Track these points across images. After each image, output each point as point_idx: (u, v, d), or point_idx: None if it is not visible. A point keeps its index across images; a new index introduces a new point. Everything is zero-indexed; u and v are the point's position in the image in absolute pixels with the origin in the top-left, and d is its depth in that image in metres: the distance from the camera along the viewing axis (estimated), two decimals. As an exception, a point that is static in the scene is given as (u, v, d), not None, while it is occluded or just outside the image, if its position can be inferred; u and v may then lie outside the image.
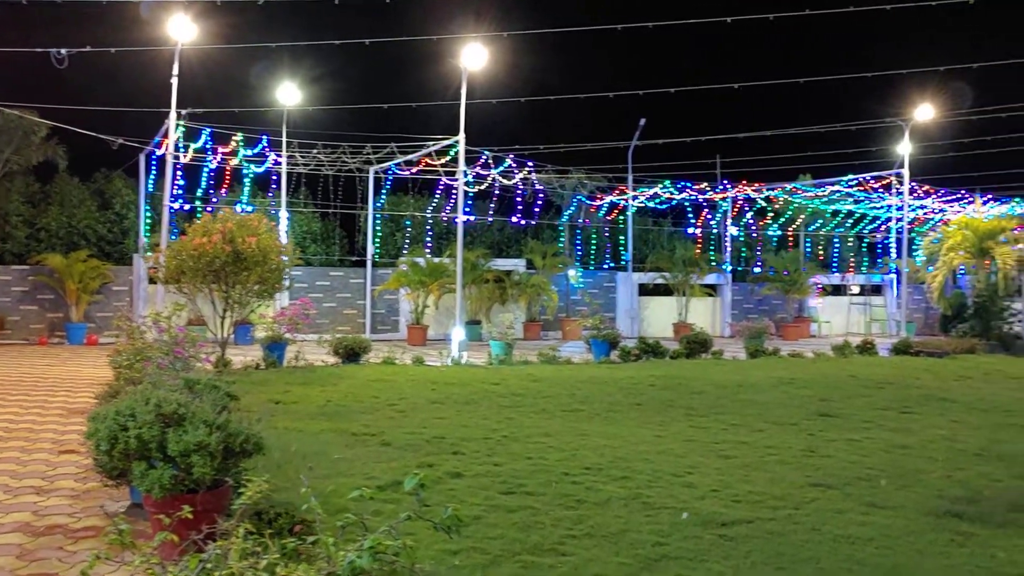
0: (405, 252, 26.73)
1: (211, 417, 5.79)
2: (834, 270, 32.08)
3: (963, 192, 29.26)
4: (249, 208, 23.40)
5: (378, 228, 27.57)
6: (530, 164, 25.99)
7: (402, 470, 7.86)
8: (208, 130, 22.43)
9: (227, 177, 25.73)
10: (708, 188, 28.60)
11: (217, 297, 15.97)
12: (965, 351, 20.43)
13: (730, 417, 11.71)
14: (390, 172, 26.49)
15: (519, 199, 27.80)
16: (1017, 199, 29.65)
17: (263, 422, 6.83)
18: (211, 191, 25.68)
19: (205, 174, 24.90)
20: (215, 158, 23.66)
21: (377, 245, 27.23)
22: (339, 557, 2.97)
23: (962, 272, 24.23)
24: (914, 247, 28.51)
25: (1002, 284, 22.12)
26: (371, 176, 26.81)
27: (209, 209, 21.80)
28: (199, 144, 22.50)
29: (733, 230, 30.91)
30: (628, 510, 7.08)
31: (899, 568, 5.87)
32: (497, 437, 9.99)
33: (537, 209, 28.51)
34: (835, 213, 31.84)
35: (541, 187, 27.76)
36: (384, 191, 27.60)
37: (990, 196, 28.96)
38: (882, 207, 30.12)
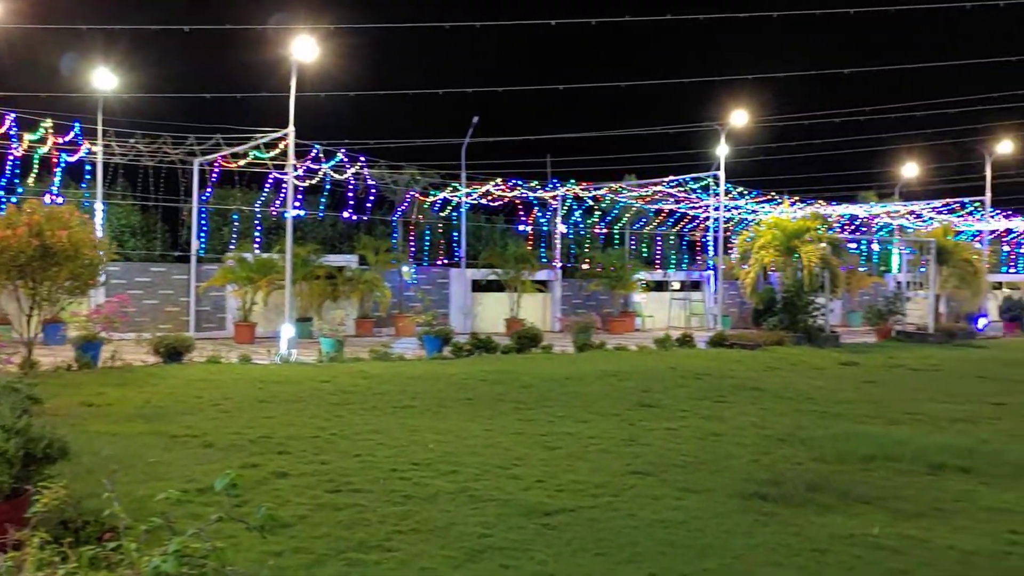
0: (232, 247, 25.84)
1: (9, 422, 5.43)
2: (657, 266, 33.45)
3: (773, 194, 31.22)
4: (60, 200, 21.98)
5: (204, 222, 26.53)
6: (362, 159, 25.72)
7: (224, 472, 7.63)
8: (12, 115, 20.90)
9: (36, 166, 24.06)
10: (539, 186, 29.19)
11: (23, 294, 14.93)
12: (775, 343, 21.80)
13: (557, 409, 12.02)
14: (216, 164, 25.54)
15: (351, 194, 27.45)
16: (821, 201, 31.91)
17: (73, 426, 6.48)
18: (16, 181, 23.95)
19: (9, 163, 23.19)
20: (21, 145, 22.08)
21: (203, 240, 26.21)
22: (143, 562, 2.87)
23: (773, 269, 25.79)
24: (729, 245, 30.10)
25: (807, 280, 23.72)
26: (195, 168, 25.76)
27: (14, 200, 20.33)
28: (2, 130, 20.93)
29: (563, 228, 31.67)
30: (455, 504, 7.16)
31: (709, 548, 6.22)
32: (326, 435, 9.86)
33: (370, 205, 28.24)
34: (658, 212, 33.20)
35: (374, 183, 27.51)
36: (210, 184, 26.59)
37: (797, 198, 31.03)
38: (700, 207, 31.65)
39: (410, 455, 8.89)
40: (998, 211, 35.55)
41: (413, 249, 30.03)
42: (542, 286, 29.82)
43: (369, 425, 10.59)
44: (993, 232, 37.05)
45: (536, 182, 29.20)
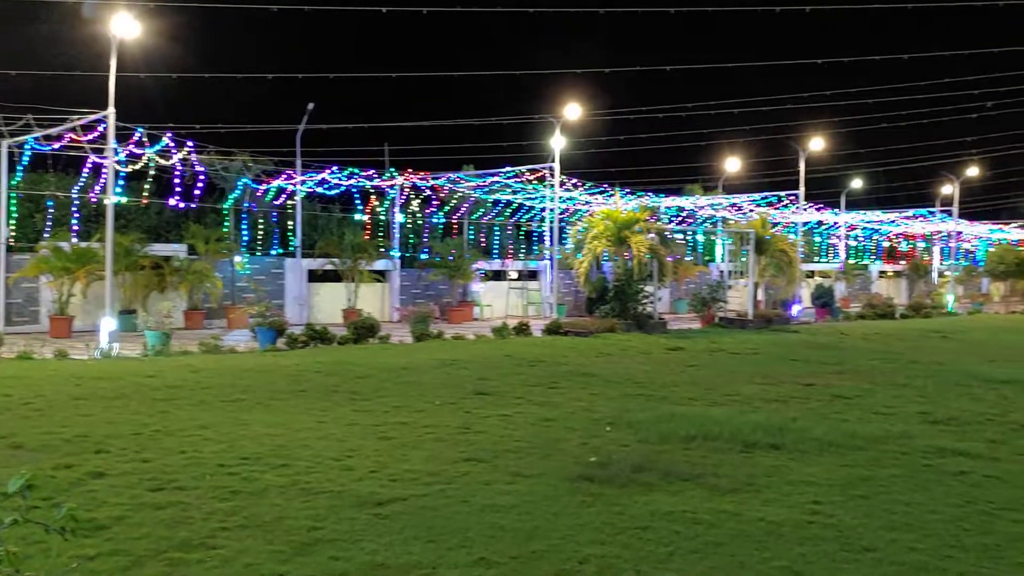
0: (47, 236, 24.26)
1: None
2: (495, 256, 33.84)
3: (606, 185, 32.21)
4: None
5: (13, 209, 24.75)
6: (190, 144, 24.68)
7: (20, 472, 7.18)
8: None
9: None
10: (376, 175, 28.92)
11: None
12: (606, 330, 22.52)
13: (393, 399, 11.99)
14: (27, 147, 23.85)
15: (179, 181, 26.28)
16: (650, 193, 33.15)
17: None
18: None
19: None
20: None
21: (13, 227, 24.44)
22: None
23: (606, 259, 26.57)
24: (564, 236, 30.82)
25: (637, 269, 24.60)
26: (3, 150, 23.98)
27: None
28: None
29: (401, 217, 31.52)
30: (285, 497, 7.04)
31: (537, 530, 6.38)
32: (148, 432, 9.45)
33: (199, 192, 27.12)
34: (495, 202, 33.57)
35: (203, 169, 26.45)
36: (20, 167, 24.80)
37: (628, 190, 32.12)
38: (537, 198, 32.23)
39: (239, 450, 8.65)
40: (810, 204, 38.01)
41: (246, 238, 29.12)
42: (380, 276, 29.59)
43: (196, 420, 10.23)
44: (806, 224, 39.61)
45: (374, 171, 28.92)
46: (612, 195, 31.46)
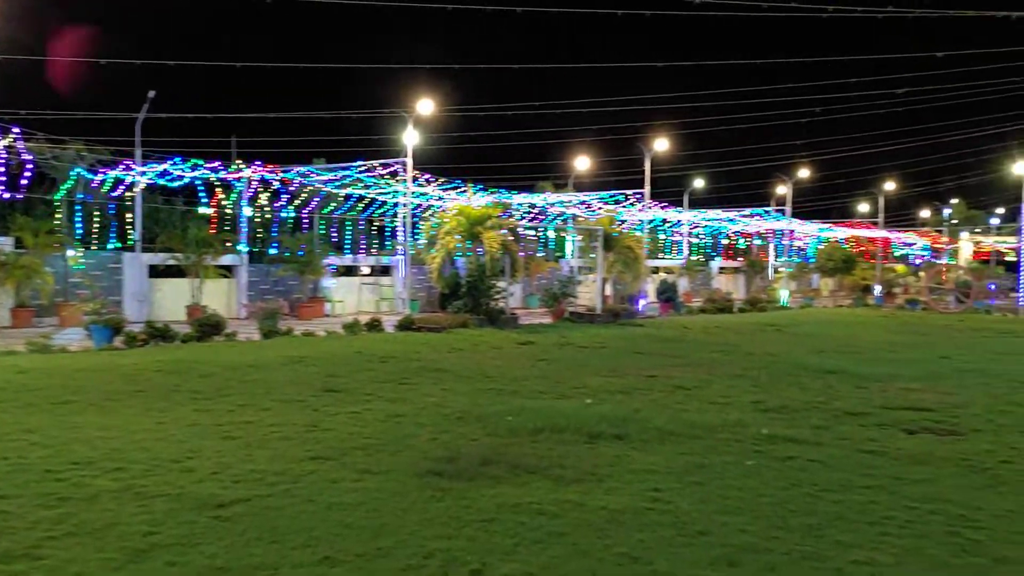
0: None
1: None
2: (347, 251, 33.36)
3: (459, 181, 32.29)
4: None
5: None
6: (16, 131, 23.15)
7: None
8: None
9: None
10: (223, 167, 27.95)
11: None
12: (459, 325, 22.61)
13: (237, 398, 11.65)
14: None
15: (3, 170, 24.59)
16: (503, 190, 33.47)
17: None
18: None
19: None
20: None
21: None
22: None
23: (459, 254, 26.64)
24: (418, 231, 30.71)
25: (489, 265, 24.83)
26: None
27: None
28: None
29: (248, 211, 30.61)
30: (119, 503, 6.74)
31: (384, 527, 6.36)
32: (-34, 438, 8.83)
33: (26, 182, 25.46)
34: (347, 197, 33.08)
35: (31, 157, 24.85)
36: None
37: (481, 186, 32.31)
38: (389, 193, 31.98)
39: (69, 454, 8.21)
40: (656, 203, 39.34)
41: (80, 232, 27.57)
42: (227, 272, 28.61)
43: (21, 424, 9.63)
44: (651, 221, 40.96)
45: (220, 163, 27.93)
46: (465, 191, 31.59)
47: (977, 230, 57.90)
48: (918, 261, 54.36)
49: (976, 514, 7.02)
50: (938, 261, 50.40)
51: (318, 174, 29.87)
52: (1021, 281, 38.84)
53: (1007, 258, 51.43)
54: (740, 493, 7.48)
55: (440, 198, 32.50)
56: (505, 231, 25.99)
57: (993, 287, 42.95)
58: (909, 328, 27.71)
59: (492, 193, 32.29)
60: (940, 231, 56.24)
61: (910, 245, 56.64)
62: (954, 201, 63.12)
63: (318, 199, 32.30)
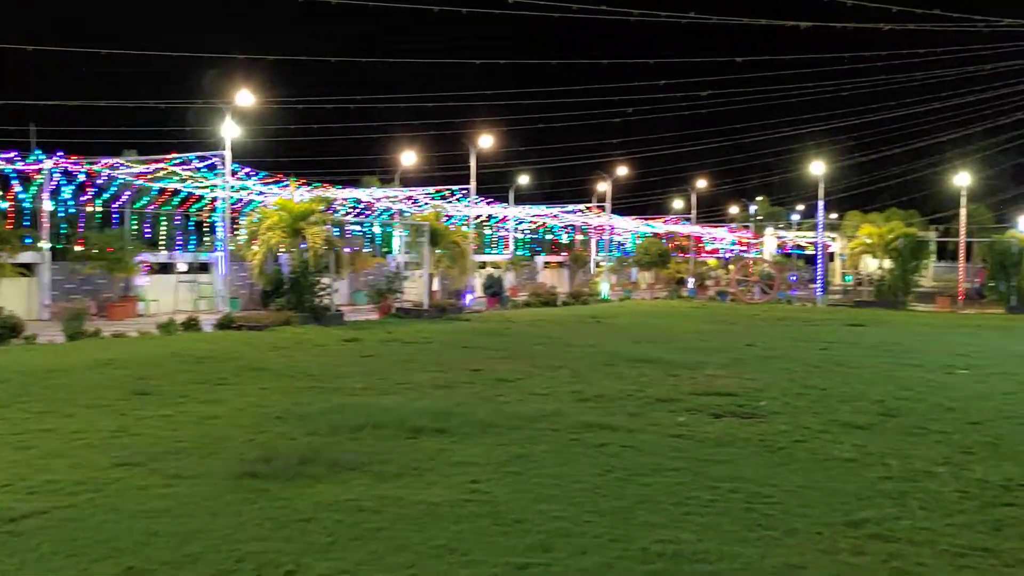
0: None
1: None
2: (162, 248, 31.84)
3: (281, 175, 31.48)
4: None
5: None
6: None
7: None
8: None
9: None
10: (20, 158, 26.03)
11: None
12: (282, 323, 22.07)
13: (36, 405, 10.91)
14: None
15: None
16: (327, 185, 32.91)
17: None
18: None
19: None
20: None
21: None
22: None
23: (282, 250, 25.96)
24: (238, 226, 29.72)
25: (313, 261, 24.36)
26: None
27: None
28: None
29: (51, 205, 28.65)
30: None
31: (195, 533, 6.15)
32: None
33: None
34: (162, 191, 31.57)
35: None
36: None
37: (304, 180, 31.64)
38: (208, 186, 30.77)
39: None
40: (482, 198, 39.75)
41: None
42: (27, 270, 26.69)
43: None
44: (478, 216, 41.39)
45: (17, 153, 26.00)
46: (287, 185, 30.84)
47: (780, 225, 61.92)
48: (728, 255, 57.51)
49: (771, 491, 7.53)
50: (745, 255, 53.47)
51: (130, 166, 28.34)
52: (818, 273, 41.85)
53: (807, 252, 55.31)
54: (556, 481, 7.70)
55: (261, 193, 31.59)
56: (329, 226, 25.56)
57: (794, 279, 46.03)
58: (718, 318, 29.31)
59: (316, 188, 31.68)
60: (747, 226, 59.73)
61: (720, 240, 59.84)
62: (759, 198, 67.33)
63: (130, 193, 30.65)
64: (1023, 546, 6.23)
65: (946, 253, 53.70)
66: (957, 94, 34.93)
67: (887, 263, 38.73)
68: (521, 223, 48.18)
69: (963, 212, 40.52)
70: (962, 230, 40.31)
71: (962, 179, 40.93)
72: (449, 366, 15.40)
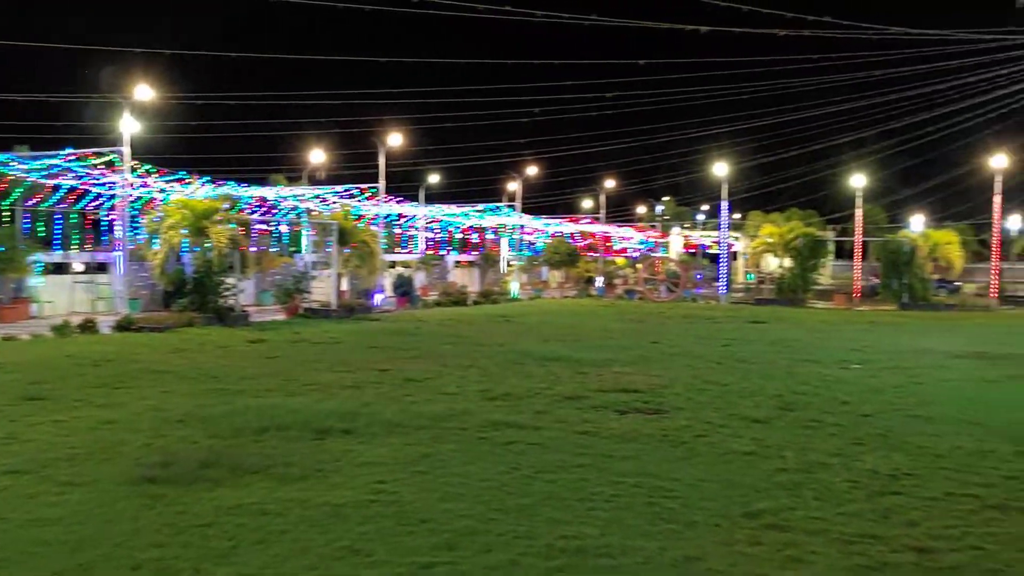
0: None
1: None
2: (56, 247, 30.64)
3: (184, 173, 30.63)
4: None
5: None
6: None
7: None
8: None
9: None
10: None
11: None
12: (185, 324, 21.51)
13: (-82, 412, 10.39)
14: None
15: None
16: (232, 182, 32.19)
17: None
18: None
19: None
20: None
21: None
22: None
23: (185, 250, 25.29)
24: (138, 225, 28.81)
25: (217, 260, 23.79)
26: None
27: None
28: None
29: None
30: None
31: (87, 540, 5.96)
32: None
33: None
34: (56, 188, 30.39)
35: None
36: None
37: (208, 178, 30.86)
38: (105, 184, 29.76)
39: None
40: (391, 197, 39.50)
41: None
42: (-91, 271, 25.36)
43: None
44: (387, 216, 41.06)
45: None
46: (191, 183, 30.04)
47: (686, 225, 63.25)
48: (635, 254, 58.47)
49: (673, 484, 7.70)
50: (653, 254, 54.44)
51: (20, 162, 27.18)
52: (722, 271, 42.90)
53: (711, 251, 56.64)
54: (462, 480, 7.72)
55: (163, 190, 30.68)
56: (234, 225, 25.02)
57: (700, 277, 47.09)
58: (626, 316, 29.77)
59: (221, 185, 30.96)
60: (654, 226, 60.84)
61: (628, 239, 60.78)
62: (666, 198, 68.65)
63: (20, 190, 29.39)
64: (908, 532, 6.51)
65: (844, 252, 55.67)
66: (850, 99, 36.31)
67: (787, 262, 39.94)
68: (432, 222, 48.06)
69: (859, 212, 42.11)
70: (858, 230, 41.89)
71: (858, 181, 42.56)
72: (357, 366, 15.25)
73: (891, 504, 7.23)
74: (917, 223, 49.32)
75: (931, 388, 13.78)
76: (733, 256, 52.45)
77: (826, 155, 51.13)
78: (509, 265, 48.51)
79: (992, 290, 39.22)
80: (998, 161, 39.57)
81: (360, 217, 36.01)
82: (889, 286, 38.76)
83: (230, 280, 24.71)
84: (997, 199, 39.68)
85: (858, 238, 41.78)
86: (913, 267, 37.72)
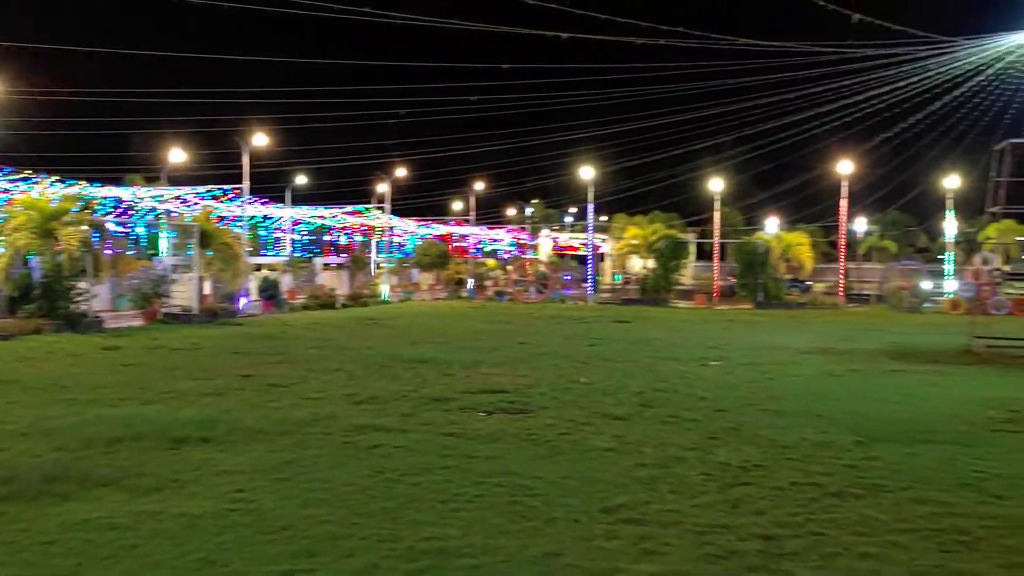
0: None
1: None
2: None
3: (29, 172, 29.02)
4: None
5: None
6: None
7: None
8: None
9: None
10: None
11: None
12: (31, 332, 20.35)
13: None
14: None
15: None
16: (84, 183, 30.70)
17: None
18: None
19: None
20: None
21: None
22: None
23: (32, 253, 23.95)
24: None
25: (67, 264, 22.63)
26: None
27: None
28: None
29: None
30: None
31: (-83, 564, 5.59)
32: None
33: None
34: None
35: None
36: None
37: (57, 178, 29.32)
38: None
39: None
40: (256, 198, 38.55)
41: None
42: None
43: None
44: (252, 217, 40.07)
45: None
46: (37, 183, 28.47)
47: (555, 227, 64.27)
48: (506, 256, 58.99)
49: (535, 483, 7.83)
50: (523, 255, 55.08)
51: None
52: (589, 272, 43.81)
53: (579, 252, 57.73)
54: (325, 485, 7.63)
55: (7, 190, 28.97)
56: (86, 227, 23.86)
57: (568, 278, 47.94)
58: (496, 318, 30.03)
59: (71, 185, 29.49)
60: (524, 228, 61.56)
61: (498, 241, 61.28)
62: (535, 201, 69.56)
63: None
64: (756, 521, 6.83)
65: (704, 253, 57.76)
66: (707, 106, 37.73)
67: (651, 263, 41.17)
68: (299, 224, 47.16)
69: (717, 215, 43.82)
70: (716, 232, 43.57)
71: (716, 185, 44.25)
72: (218, 372, 14.82)
73: (741, 495, 7.57)
74: (771, 225, 51.74)
75: (781, 383, 14.50)
76: (600, 257, 53.67)
77: (687, 160, 52.90)
78: (379, 267, 48.12)
79: (839, 289, 41.54)
80: (844, 167, 41.93)
81: (222, 218, 35.05)
82: (746, 286, 40.48)
83: (82, 284, 23.55)
84: (844, 203, 42.06)
85: (716, 240, 43.46)
86: (767, 267, 39.53)
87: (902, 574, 5.78)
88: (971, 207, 50.23)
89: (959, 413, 11.71)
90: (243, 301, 31.15)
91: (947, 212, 45.65)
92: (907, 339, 23.14)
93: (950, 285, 39.86)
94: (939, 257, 52.47)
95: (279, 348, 18.97)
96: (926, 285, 41.21)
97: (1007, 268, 40.50)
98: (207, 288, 30.19)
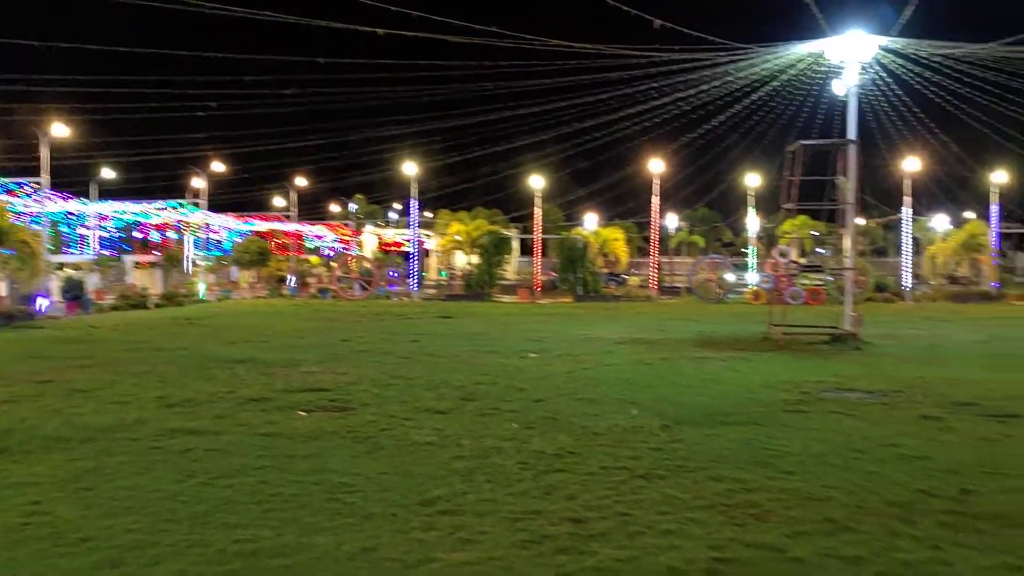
0: None
1: None
2: None
3: None
4: None
5: None
6: None
7: None
8: None
9: None
10: None
11: None
12: None
13: None
14: None
15: None
16: None
17: None
18: None
19: None
20: None
21: None
22: None
23: None
24: None
25: None
26: None
27: None
28: None
29: None
30: None
31: None
32: None
33: None
34: None
35: None
36: None
37: None
38: None
39: None
40: (57, 193, 36.15)
41: None
42: None
43: None
44: (53, 213, 37.56)
45: None
46: None
47: (380, 223, 63.79)
48: (330, 252, 58.04)
49: (354, 479, 7.80)
50: (347, 252, 54.34)
51: None
52: (414, 268, 43.81)
53: (404, 248, 57.59)
54: (130, 493, 7.32)
55: None
56: None
57: (394, 275, 47.75)
58: (318, 316, 29.55)
59: None
60: (347, 224, 60.76)
61: (321, 237, 60.21)
62: (359, 196, 68.77)
63: None
64: (567, 506, 7.09)
65: (527, 248, 58.95)
66: (525, 104, 38.45)
67: (475, 258, 41.66)
68: (107, 220, 44.61)
69: (538, 211, 44.83)
70: (537, 227, 44.58)
71: (537, 182, 45.24)
72: (13, 379, 13.85)
73: (554, 481, 7.83)
74: (590, 222, 53.42)
75: (596, 372, 15.06)
76: (426, 253, 53.75)
77: (508, 157, 53.82)
78: (195, 265, 46.24)
79: (652, 282, 43.47)
80: (655, 166, 43.88)
81: (18, 214, 32.70)
82: (566, 280, 41.67)
83: None
84: (656, 200, 44.01)
85: (537, 235, 44.48)
86: (586, 262, 40.87)
87: (699, 548, 6.16)
88: (771, 204, 53.62)
89: (756, 396, 12.56)
90: (43, 303, 29.17)
91: (749, 209, 48.69)
92: (713, 328, 24.55)
93: (752, 277, 42.62)
94: (743, 251, 55.91)
95: (83, 351, 17.93)
96: (731, 277, 43.83)
97: (803, 260, 43.64)
98: (2, 290, 28.15)
